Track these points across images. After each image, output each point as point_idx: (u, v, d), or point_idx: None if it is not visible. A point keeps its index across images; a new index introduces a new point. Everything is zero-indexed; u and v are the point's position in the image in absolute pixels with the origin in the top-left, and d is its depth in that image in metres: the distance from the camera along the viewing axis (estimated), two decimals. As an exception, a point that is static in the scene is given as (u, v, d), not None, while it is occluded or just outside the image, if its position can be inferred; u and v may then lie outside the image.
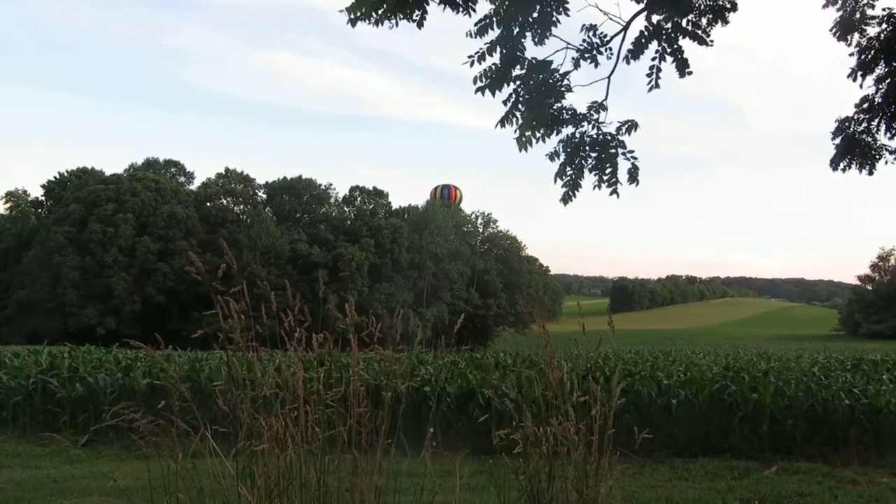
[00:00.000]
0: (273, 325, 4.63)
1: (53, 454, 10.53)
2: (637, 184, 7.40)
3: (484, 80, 6.99)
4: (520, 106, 7.20)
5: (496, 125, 7.23)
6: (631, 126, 7.44)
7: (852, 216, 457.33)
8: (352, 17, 6.59)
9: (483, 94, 7.02)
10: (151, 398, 10.07)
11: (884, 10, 9.58)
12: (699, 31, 7.31)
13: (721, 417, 10.67)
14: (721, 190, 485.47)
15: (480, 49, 6.87)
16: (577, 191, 7.52)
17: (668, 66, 7.32)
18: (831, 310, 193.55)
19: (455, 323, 5.49)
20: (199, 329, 5.27)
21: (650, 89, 7.33)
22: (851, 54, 9.87)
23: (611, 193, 7.40)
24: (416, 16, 6.73)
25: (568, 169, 7.48)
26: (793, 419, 10.41)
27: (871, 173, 9.83)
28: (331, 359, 5.15)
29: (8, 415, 12.56)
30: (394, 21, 6.71)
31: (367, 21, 6.63)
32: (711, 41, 7.34)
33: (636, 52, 7.26)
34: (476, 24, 6.80)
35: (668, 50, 7.28)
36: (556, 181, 7.51)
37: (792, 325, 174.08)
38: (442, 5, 6.70)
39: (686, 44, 7.30)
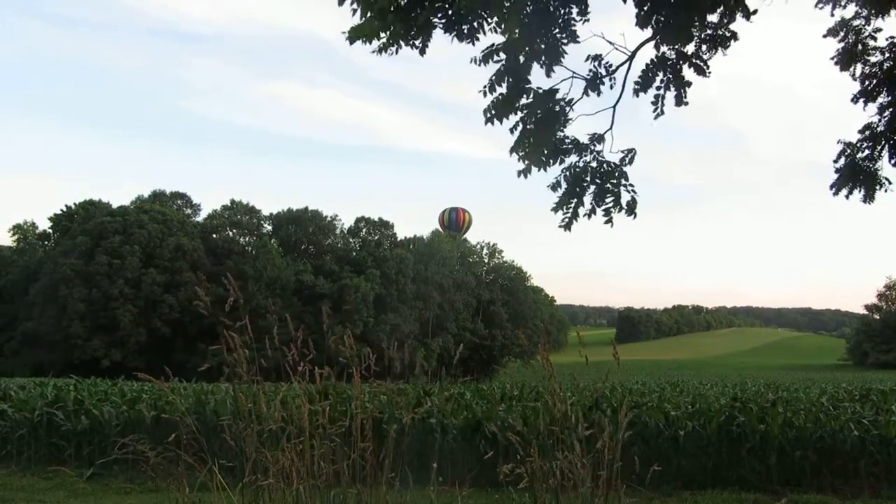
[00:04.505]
0: (277, 357, 4.64)
1: (58, 488, 10.48)
2: (634, 216, 7.44)
3: (492, 111, 7.05)
4: (527, 134, 7.25)
5: (510, 152, 7.27)
6: (632, 156, 7.49)
7: (859, 245, 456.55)
8: (351, 37, 6.62)
9: (492, 123, 7.07)
10: (157, 431, 10.04)
11: (887, 39, 9.67)
12: (700, 62, 7.39)
13: (729, 449, 10.58)
14: (726, 219, 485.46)
15: (491, 80, 6.93)
16: (577, 219, 7.56)
17: (669, 94, 7.41)
18: (839, 339, 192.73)
19: (461, 353, 5.48)
20: (204, 360, 5.28)
21: (656, 117, 7.41)
22: (854, 80, 9.94)
23: (605, 222, 7.44)
24: (419, 43, 6.76)
25: (568, 199, 7.51)
26: (802, 450, 10.32)
27: (867, 201, 9.83)
28: (335, 391, 5.15)
29: (13, 448, 12.51)
30: (394, 49, 6.74)
31: (367, 43, 6.66)
32: (710, 72, 7.42)
33: (644, 84, 7.32)
34: (482, 52, 6.84)
35: (673, 80, 7.35)
36: (556, 212, 7.53)
37: (799, 355, 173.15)
38: (448, 34, 6.74)
39: (688, 73, 7.40)
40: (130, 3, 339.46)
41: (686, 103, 7.35)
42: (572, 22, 6.74)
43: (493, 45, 6.84)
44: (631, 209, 7.40)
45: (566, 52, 6.87)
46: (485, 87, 6.96)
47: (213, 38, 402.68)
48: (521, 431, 5.30)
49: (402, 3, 6.35)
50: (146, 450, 4.21)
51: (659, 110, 7.41)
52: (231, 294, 4.37)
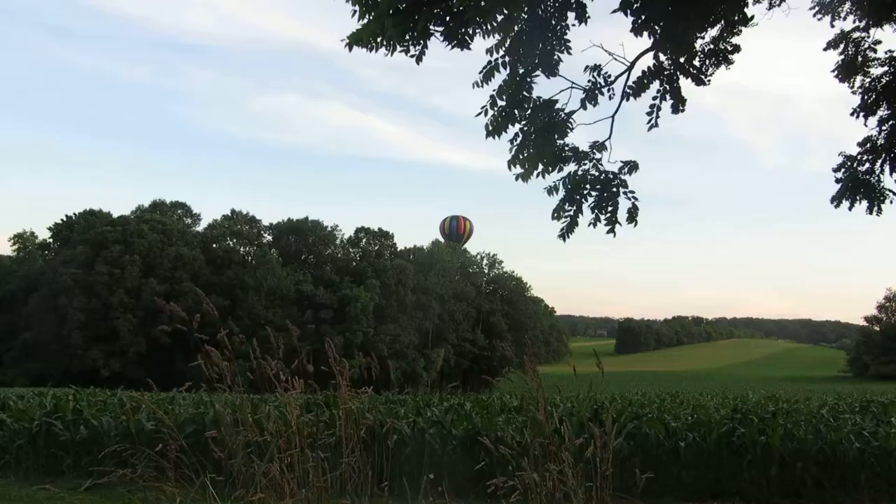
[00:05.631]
0: (265, 368, 4.61)
1: (56, 499, 10.43)
2: (636, 224, 7.45)
3: (492, 125, 7.08)
4: (526, 144, 7.26)
5: (508, 166, 7.28)
6: (632, 167, 7.50)
7: (859, 256, 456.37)
8: (350, 43, 6.63)
9: (494, 137, 7.11)
10: (156, 441, 9.99)
11: (886, 52, 9.69)
12: (698, 72, 7.42)
13: (730, 460, 10.54)
14: (727, 229, 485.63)
15: (492, 95, 6.97)
16: (575, 227, 7.55)
17: (665, 104, 7.43)
18: (839, 351, 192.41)
19: (461, 365, 5.49)
20: (205, 370, 5.24)
21: (650, 128, 7.43)
22: (854, 93, 9.97)
23: (608, 231, 7.45)
24: (415, 50, 6.77)
25: (566, 206, 7.51)
26: (802, 462, 10.28)
27: (871, 212, 9.84)
28: (334, 402, 5.13)
29: (11, 458, 12.46)
30: (390, 52, 6.74)
31: (366, 48, 6.66)
32: (709, 80, 7.44)
33: (638, 90, 7.34)
34: (481, 72, 6.87)
35: (669, 89, 7.37)
36: (553, 217, 7.53)
37: (800, 367, 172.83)
38: (446, 42, 6.74)
39: (685, 83, 7.43)
40: (131, 15, 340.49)
41: (682, 110, 7.37)
42: (567, 30, 6.77)
43: (490, 62, 6.87)
44: (632, 217, 7.41)
45: (561, 60, 6.90)
46: (484, 107, 7.00)
47: (213, 49, 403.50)
48: (520, 442, 5.27)
49: (401, 6, 6.35)
50: (138, 463, 4.19)
51: (654, 121, 7.43)
52: (203, 308, 4.35)
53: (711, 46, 7.58)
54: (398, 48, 6.67)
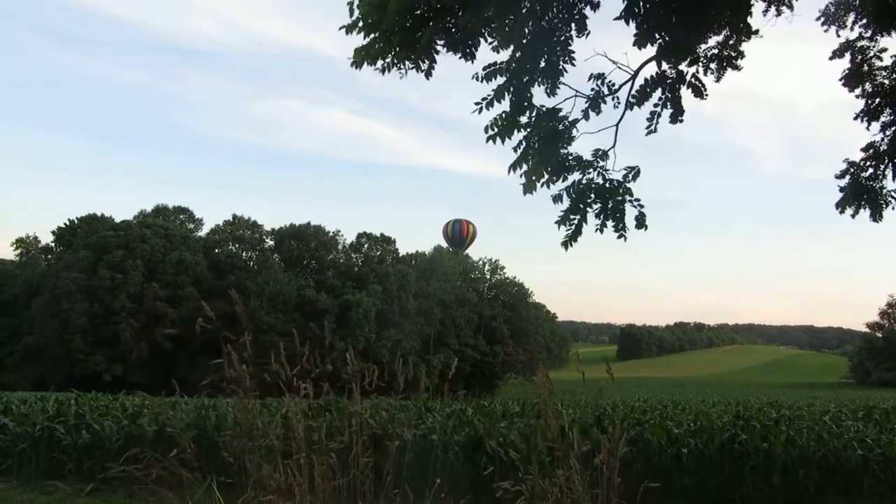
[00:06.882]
0: (276, 372, 4.62)
1: (58, 503, 10.44)
2: (645, 228, 7.46)
3: (494, 128, 7.07)
4: (529, 152, 7.26)
5: (508, 171, 7.29)
6: (635, 173, 7.52)
7: (861, 262, 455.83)
8: (357, 61, 6.65)
9: (494, 142, 7.09)
10: (158, 446, 9.99)
11: (892, 57, 9.69)
12: (698, 83, 7.45)
13: (732, 467, 10.51)
14: (729, 236, 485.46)
15: (489, 95, 6.95)
16: (579, 236, 7.56)
17: (665, 112, 7.46)
18: (841, 357, 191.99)
19: (462, 370, 5.50)
20: (206, 375, 5.25)
21: (648, 133, 7.48)
22: (858, 96, 9.96)
23: (619, 237, 7.47)
24: (424, 66, 6.79)
25: (571, 215, 7.52)
26: (805, 469, 10.25)
27: (874, 219, 9.83)
28: (336, 406, 5.13)
29: (13, 462, 12.45)
30: (403, 69, 6.76)
31: (372, 65, 6.68)
32: (707, 94, 7.48)
33: (641, 98, 7.36)
34: (484, 69, 6.86)
35: (670, 98, 7.39)
36: (559, 227, 7.54)
37: (802, 373, 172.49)
38: (451, 53, 6.76)
39: (686, 94, 7.45)
40: (133, 20, 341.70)
41: (681, 121, 7.41)
42: (570, 41, 6.78)
43: (495, 63, 6.87)
44: (640, 223, 7.43)
45: (566, 71, 6.91)
46: (481, 102, 6.95)
47: (215, 54, 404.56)
48: (523, 449, 5.26)
49: (408, 24, 6.37)
50: (143, 467, 4.20)
51: (653, 127, 7.47)
52: (235, 309, 4.37)
53: (716, 51, 7.60)
54: (407, 64, 6.69)
